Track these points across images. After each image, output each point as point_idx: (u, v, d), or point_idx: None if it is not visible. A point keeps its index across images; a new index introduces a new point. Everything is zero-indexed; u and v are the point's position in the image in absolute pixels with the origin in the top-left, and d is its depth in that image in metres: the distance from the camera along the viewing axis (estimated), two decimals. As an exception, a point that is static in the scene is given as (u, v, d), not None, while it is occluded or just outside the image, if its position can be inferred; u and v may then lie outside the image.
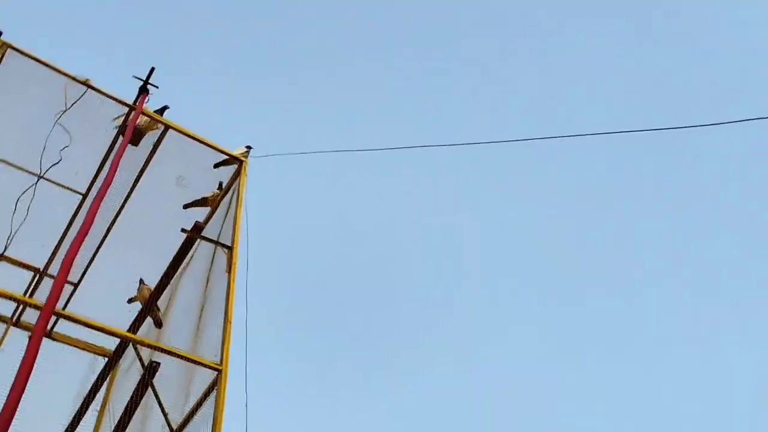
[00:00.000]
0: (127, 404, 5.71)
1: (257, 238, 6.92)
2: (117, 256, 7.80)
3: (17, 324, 7.00)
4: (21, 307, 7.08)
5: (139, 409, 6.37)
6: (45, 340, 7.87)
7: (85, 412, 6.81)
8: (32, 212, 6.75)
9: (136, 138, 7.30)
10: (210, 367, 5.26)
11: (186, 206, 7.51)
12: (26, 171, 7.08)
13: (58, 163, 6.54)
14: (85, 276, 8.01)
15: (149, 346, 5.70)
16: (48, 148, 6.97)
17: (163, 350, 5.53)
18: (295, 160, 7.84)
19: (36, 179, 7.17)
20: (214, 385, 5.16)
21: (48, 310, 4.55)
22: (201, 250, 7.39)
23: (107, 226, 7.76)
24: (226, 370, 5.21)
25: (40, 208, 7.15)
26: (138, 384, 5.73)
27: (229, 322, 5.61)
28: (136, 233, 7.60)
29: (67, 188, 7.18)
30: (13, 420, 3.92)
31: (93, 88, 7.13)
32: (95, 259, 7.86)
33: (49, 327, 7.46)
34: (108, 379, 6.83)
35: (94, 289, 8.00)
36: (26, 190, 6.54)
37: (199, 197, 7.58)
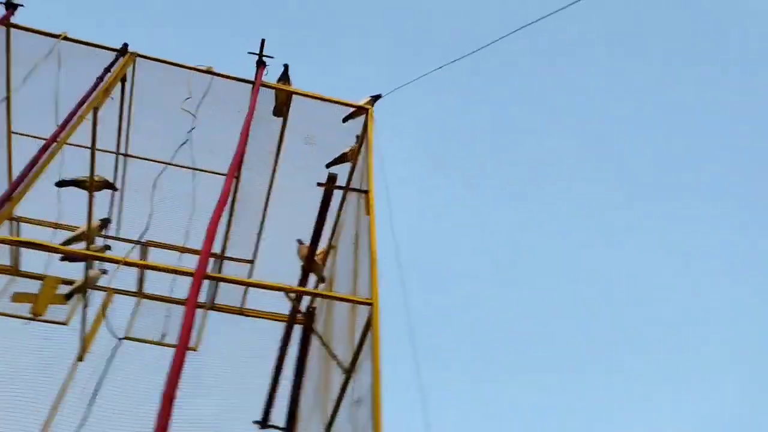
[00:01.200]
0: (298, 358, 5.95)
1: (393, 180, 6.84)
2: (279, 227, 8.20)
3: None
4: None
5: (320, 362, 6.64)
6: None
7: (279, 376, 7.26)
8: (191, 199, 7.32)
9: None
10: (362, 303, 5.29)
11: (329, 165, 7.62)
12: (180, 166, 7.67)
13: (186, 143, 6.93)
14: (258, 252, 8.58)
15: (314, 294, 5.85)
16: (196, 140, 7.46)
17: (323, 296, 5.68)
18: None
19: (192, 173, 7.79)
20: (370, 322, 5.15)
21: (198, 278, 4.80)
22: (349, 205, 7.49)
23: (264, 201, 8.22)
24: (377, 303, 5.20)
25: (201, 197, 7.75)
26: (304, 335, 5.95)
27: (374, 259, 5.59)
28: (289, 202, 7.91)
29: (213, 172, 7.63)
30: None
31: (216, 74, 7.51)
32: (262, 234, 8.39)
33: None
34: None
35: (268, 264, 8.53)
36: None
37: (337, 155, 7.67)
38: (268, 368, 7.55)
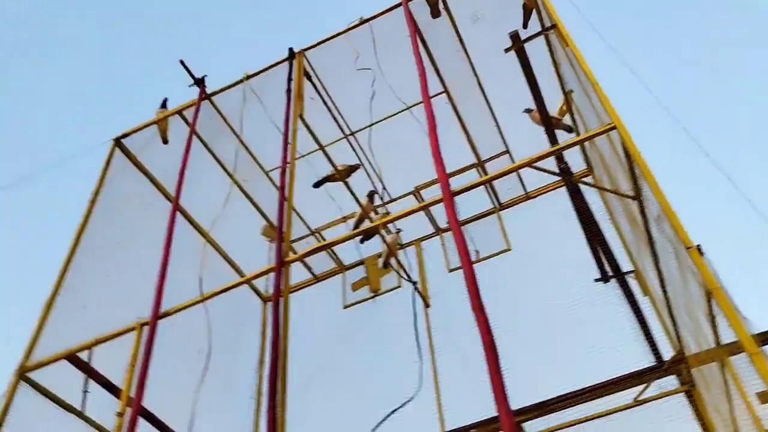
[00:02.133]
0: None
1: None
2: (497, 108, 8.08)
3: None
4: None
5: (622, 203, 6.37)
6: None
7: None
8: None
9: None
10: (603, 132, 4.95)
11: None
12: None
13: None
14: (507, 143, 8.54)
15: (564, 147, 5.64)
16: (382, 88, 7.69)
17: (570, 146, 5.46)
18: None
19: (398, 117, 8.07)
20: (624, 143, 4.81)
21: (448, 198, 5.00)
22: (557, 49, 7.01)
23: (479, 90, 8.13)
24: (620, 124, 4.82)
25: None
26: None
27: (594, 83, 5.18)
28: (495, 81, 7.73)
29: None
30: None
31: (368, 20, 7.61)
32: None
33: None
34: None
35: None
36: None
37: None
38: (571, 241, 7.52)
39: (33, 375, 6.00)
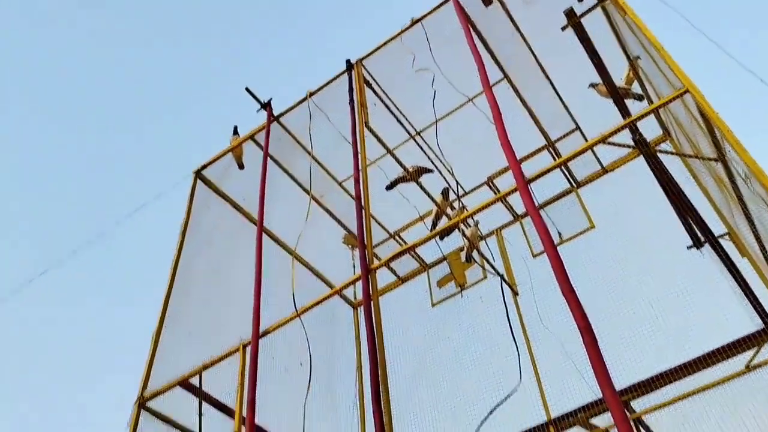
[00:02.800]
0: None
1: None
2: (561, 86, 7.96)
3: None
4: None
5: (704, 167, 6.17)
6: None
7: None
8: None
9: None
10: (675, 98, 4.80)
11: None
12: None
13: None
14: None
15: (637, 118, 5.52)
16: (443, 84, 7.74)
17: (643, 116, 5.33)
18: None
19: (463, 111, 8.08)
20: (700, 107, 4.67)
21: (521, 184, 5.00)
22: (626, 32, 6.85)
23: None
24: (693, 87, 4.67)
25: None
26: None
27: (659, 48, 5.04)
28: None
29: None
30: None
31: (418, 20, 7.66)
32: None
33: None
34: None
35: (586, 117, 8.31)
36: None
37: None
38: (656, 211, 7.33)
39: (151, 403, 6.36)
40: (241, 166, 8.74)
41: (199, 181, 8.31)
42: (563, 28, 6.15)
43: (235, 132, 8.58)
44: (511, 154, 5.30)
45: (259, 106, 8.43)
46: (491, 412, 5.92)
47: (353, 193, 9.40)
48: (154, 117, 26.78)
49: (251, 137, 8.46)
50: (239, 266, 7.75)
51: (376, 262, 6.00)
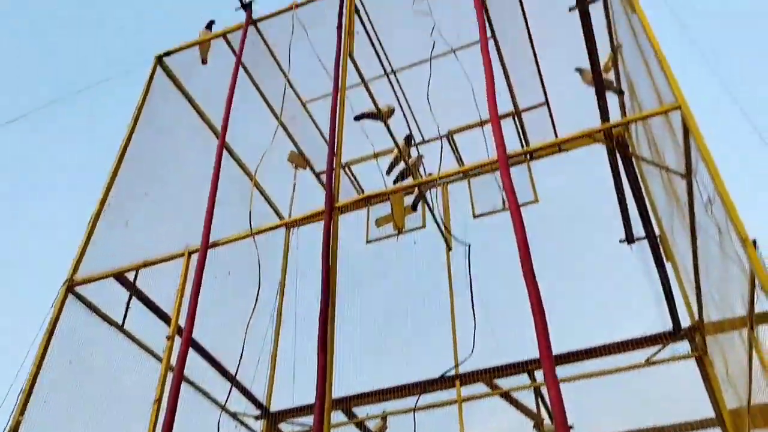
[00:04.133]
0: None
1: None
2: (551, 66, 8.04)
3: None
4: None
5: (659, 174, 6.48)
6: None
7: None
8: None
9: None
10: (667, 111, 4.99)
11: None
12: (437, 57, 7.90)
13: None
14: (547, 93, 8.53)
15: (621, 124, 5.71)
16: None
17: (630, 122, 5.50)
18: None
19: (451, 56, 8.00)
20: (686, 125, 4.87)
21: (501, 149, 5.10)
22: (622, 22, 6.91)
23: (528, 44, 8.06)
24: (685, 104, 4.85)
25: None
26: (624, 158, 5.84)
27: (662, 59, 5.17)
28: (549, 35, 7.65)
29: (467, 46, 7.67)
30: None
31: None
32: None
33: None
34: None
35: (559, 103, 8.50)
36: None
37: None
38: (601, 195, 7.66)
39: (80, 290, 6.21)
40: (204, 61, 8.35)
41: (160, 68, 7.88)
42: (571, 9, 6.17)
43: (209, 27, 8.14)
44: (498, 127, 5.37)
45: (239, 5, 8.00)
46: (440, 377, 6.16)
47: (316, 119, 9.29)
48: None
49: (224, 35, 8.06)
50: (189, 168, 7.54)
51: (341, 201, 5.99)
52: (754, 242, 4.08)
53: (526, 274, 4.66)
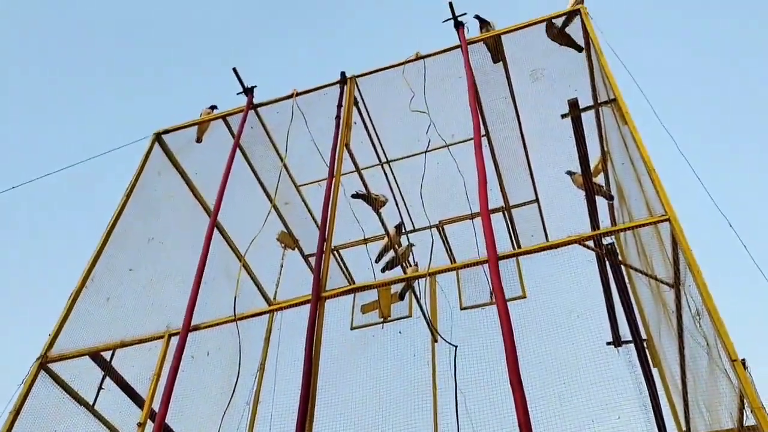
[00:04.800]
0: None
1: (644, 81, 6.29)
2: (544, 168, 8.20)
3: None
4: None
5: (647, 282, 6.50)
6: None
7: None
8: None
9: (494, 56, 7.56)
10: (656, 222, 5.05)
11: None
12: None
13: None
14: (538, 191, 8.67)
15: (610, 232, 5.79)
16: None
17: (619, 230, 5.58)
18: None
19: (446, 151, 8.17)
20: (675, 237, 4.92)
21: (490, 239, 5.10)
22: (607, 117, 7.13)
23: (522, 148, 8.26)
24: (674, 217, 4.92)
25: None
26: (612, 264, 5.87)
27: (651, 170, 5.28)
28: (542, 141, 7.84)
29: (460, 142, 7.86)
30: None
31: (426, 56, 7.70)
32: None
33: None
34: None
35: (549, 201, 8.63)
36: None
37: (561, 82, 7.32)
38: (588, 299, 7.64)
39: (54, 368, 6.03)
40: (199, 140, 8.45)
41: (157, 145, 7.96)
42: (563, 116, 6.35)
43: (212, 108, 8.30)
44: (489, 226, 5.41)
45: (241, 89, 8.19)
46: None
47: (309, 201, 9.35)
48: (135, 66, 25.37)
49: (224, 117, 8.20)
50: (177, 245, 7.50)
51: (328, 291, 5.94)
52: (743, 362, 4.04)
53: (514, 385, 4.58)
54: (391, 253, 8.43)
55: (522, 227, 9.35)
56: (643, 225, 5.31)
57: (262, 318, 9.63)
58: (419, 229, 9.35)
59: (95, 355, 6.09)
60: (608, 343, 7.96)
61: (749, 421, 4.31)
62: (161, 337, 5.97)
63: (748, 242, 5.21)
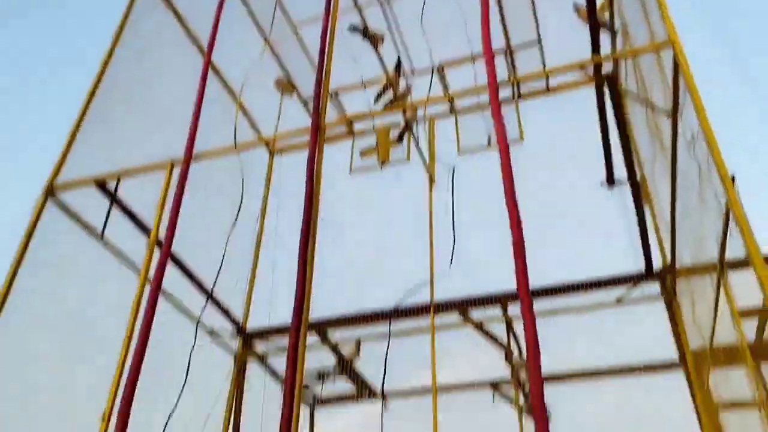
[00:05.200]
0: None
1: None
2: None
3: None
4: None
5: (643, 112, 6.49)
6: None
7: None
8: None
9: None
10: (659, 48, 4.97)
11: None
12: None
13: None
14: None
15: (614, 57, 5.68)
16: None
17: (621, 57, 5.47)
18: None
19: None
20: (677, 62, 4.85)
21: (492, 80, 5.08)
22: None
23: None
24: (677, 42, 4.83)
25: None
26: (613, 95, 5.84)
27: (659, -5, 5.11)
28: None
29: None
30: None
31: None
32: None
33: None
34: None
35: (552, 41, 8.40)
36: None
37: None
38: (589, 135, 7.68)
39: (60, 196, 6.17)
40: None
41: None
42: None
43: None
44: (491, 61, 5.32)
45: None
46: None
47: (306, 42, 9.11)
48: None
49: (214, -52, 7.79)
50: (170, 81, 7.41)
51: (330, 134, 5.95)
52: (733, 178, 4.14)
53: (511, 212, 4.70)
54: (389, 94, 8.35)
55: (524, 71, 9.20)
56: (647, 50, 5.22)
57: (262, 165, 9.81)
58: (418, 73, 9.20)
59: (101, 184, 6.20)
60: (602, 183, 8.14)
61: (733, 242, 4.49)
62: (164, 165, 6.05)
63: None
